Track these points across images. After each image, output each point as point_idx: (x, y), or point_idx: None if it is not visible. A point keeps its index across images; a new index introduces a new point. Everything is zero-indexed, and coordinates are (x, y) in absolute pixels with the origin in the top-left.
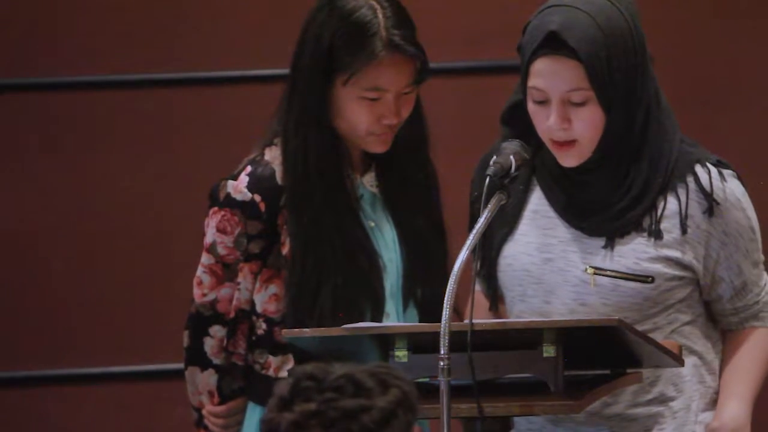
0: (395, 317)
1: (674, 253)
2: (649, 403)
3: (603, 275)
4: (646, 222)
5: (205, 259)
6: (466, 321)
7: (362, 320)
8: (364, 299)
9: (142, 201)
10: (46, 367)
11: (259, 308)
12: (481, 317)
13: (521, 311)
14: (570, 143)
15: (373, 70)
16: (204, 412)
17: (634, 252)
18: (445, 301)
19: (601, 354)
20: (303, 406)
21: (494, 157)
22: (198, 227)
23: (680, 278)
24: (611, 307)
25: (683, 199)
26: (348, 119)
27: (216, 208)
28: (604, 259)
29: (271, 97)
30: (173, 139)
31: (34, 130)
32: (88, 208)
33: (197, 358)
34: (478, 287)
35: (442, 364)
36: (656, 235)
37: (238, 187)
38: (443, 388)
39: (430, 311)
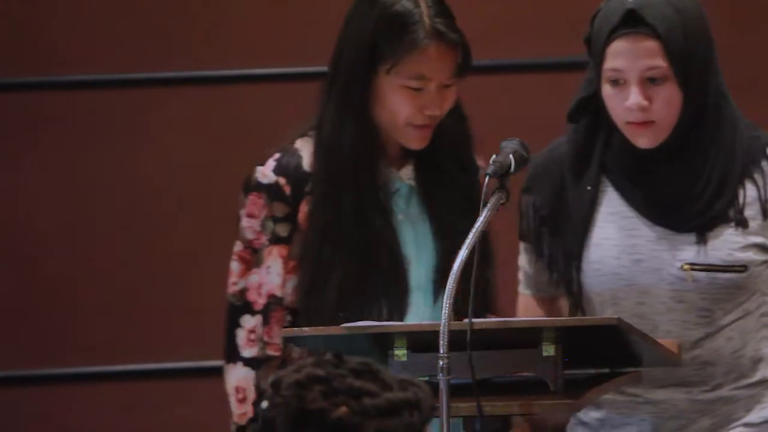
0: (421, 309)
1: (759, 239)
2: (751, 386)
3: (699, 270)
4: (731, 212)
5: (237, 246)
6: (466, 320)
7: (380, 313)
8: (382, 293)
9: (142, 200)
10: (46, 366)
11: (285, 299)
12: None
13: (614, 314)
14: (647, 123)
15: (417, 58)
16: None
17: (726, 243)
18: (444, 300)
19: (601, 353)
20: (312, 370)
21: (493, 156)
22: (198, 226)
23: (765, 262)
24: (709, 300)
25: (761, 183)
26: (389, 109)
27: (248, 195)
28: (698, 254)
29: (272, 96)
30: (173, 139)
31: (33, 129)
32: (87, 208)
33: (230, 353)
34: (527, 291)
35: (441, 362)
36: (743, 224)
37: (264, 171)
38: (442, 386)
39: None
